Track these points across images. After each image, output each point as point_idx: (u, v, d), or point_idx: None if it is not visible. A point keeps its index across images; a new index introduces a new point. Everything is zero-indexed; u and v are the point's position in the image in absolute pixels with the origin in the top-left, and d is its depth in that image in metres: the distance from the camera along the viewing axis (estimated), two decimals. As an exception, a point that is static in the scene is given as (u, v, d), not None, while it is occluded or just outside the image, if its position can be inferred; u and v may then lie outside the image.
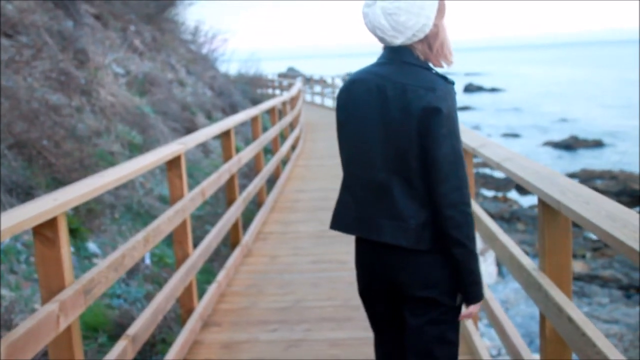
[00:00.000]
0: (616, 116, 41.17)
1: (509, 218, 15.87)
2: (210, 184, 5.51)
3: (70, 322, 2.77)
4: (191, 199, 4.84)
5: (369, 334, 4.68)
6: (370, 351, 4.41)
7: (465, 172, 2.32)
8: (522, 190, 19.72)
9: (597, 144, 30.37)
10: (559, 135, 32.40)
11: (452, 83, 2.34)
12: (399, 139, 2.29)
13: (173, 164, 4.69)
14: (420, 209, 2.32)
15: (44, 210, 2.63)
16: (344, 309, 5.27)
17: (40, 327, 2.51)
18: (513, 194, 19.37)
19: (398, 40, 2.32)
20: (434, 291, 2.38)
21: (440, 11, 2.36)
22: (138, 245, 3.62)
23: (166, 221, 4.17)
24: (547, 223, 2.80)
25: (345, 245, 7.10)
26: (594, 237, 14.28)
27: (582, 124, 38.26)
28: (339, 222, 2.51)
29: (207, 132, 5.80)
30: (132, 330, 3.53)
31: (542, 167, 3.13)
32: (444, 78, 2.32)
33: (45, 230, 2.73)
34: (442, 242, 2.32)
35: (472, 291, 2.38)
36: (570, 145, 30.00)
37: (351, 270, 6.19)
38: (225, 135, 6.73)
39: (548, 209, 2.77)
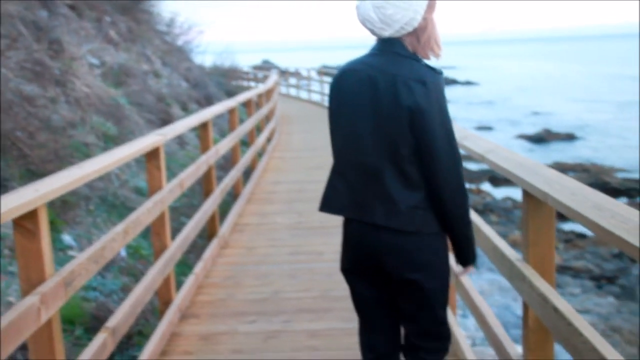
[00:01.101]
0: (587, 110, 41.59)
1: (482, 210, 15.97)
2: (189, 176, 5.48)
3: (51, 315, 2.73)
4: (170, 191, 4.80)
5: (348, 325, 4.71)
6: (349, 342, 4.42)
7: (458, 149, 2.45)
8: (496, 182, 19.85)
9: (569, 137, 30.64)
10: (532, 129, 32.63)
11: (441, 73, 2.43)
12: (390, 128, 2.39)
13: (152, 155, 4.64)
14: (411, 193, 2.43)
15: (25, 201, 2.58)
16: (322, 300, 5.28)
17: (22, 320, 2.47)
18: (486, 186, 19.49)
19: (386, 33, 2.43)
20: (421, 274, 2.51)
21: (431, 6, 2.47)
22: (118, 237, 3.58)
23: (145, 213, 4.14)
24: (531, 214, 2.81)
25: (322, 237, 7.11)
26: (566, 228, 14.42)
27: (555, 117, 38.60)
28: (331, 204, 2.60)
29: (185, 124, 5.76)
30: (111, 322, 3.50)
31: (526, 159, 3.15)
32: (432, 69, 2.42)
33: (25, 222, 2.68)
34: (440, 221, 2.48)
35: (470, 255, 2.63)
36: (543, 138, 30.21)
37: (328, 261, 6.24)
38: (202, 127, 6.68)
39: (532, 200, 2.78)
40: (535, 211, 2.80)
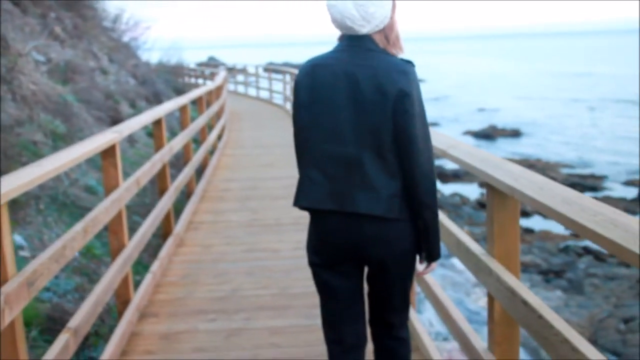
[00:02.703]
0: (532, 107, 42.36)
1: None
2: (145, 173, 5.41)
3: (14, 316, 2.67)
4: (126, 189, 4.73)
5: (309, 322, 4.72)
6: (311, 338, 4.44)
7: (430, 137, 2.58)
8: (444, 178, 20.07)
9: (515, 134, 31.16)
10: (478, 125, 33.08)
11: (414, 65, 2.56)
12: (374, 117, 2.47)
13: (108, 153, 4.57)
14: (390, 181, 2.51)
15: (-14, 200, 2.52)
16: (281, 297, 5.26)
17: (-13, 321, 2.41)
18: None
19: (364, 29, 2.54)
20: (400, 260, 2.63)
21: (394, 6, 2.62)
22: (77, 236, 3.52)
23: (103, 211, 4.07)
24: (496, 209, 2.84)
25: (277, 234, 7.10)
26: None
27: (500, 114, 39.21)
28: (308, 197, 2.61)
29: (140, 121, 5.68)
30: (73, 322, 3.44)
31: (489, 154, 3.18)
32: (407, 61, 2.55)
33: (-14, 221, 2.62)
34: (412, 209, 2.55)
35: (437, 250, 2.66)
36: (489, 134, 30.68)
37: (285, 258, 6.24)
38: (156, 124, 6.60)
39: (497, 194, 2.81)
40: (500, 206, 2.84)
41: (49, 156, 3.65)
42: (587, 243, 14.34)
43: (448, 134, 23.73)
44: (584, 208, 2.12)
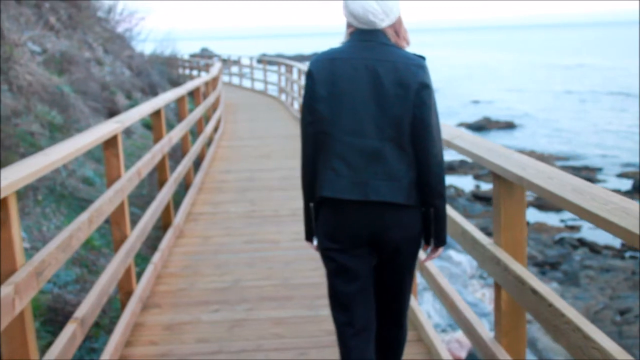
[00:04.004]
0: (525, 99, 42.43)
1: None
2: (145, 164, 5.40)
3: (24, 305, 2.67)
4: (128, 179, 4.73)
5: (311, 313, 4.74)
6: (314, 329, 4.46)
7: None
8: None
9: (509, 126, 31.22)
10: (470, 118, 33.14)
11: (426, 60, 2.67)
12: (396, 110, 2.59)
13: (110, 143, 4.57)
14: (409, 170, 2.63)
15: (-4, 190, 2.51)
16: (283, 288, 5.28)
17: (-1, 311, 2.41)
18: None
19: (384, 23, 2.67)
20: (413, 244, 2.76)
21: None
22: (83, 226, 3.52)
23: (107, 202, 4.07)
24: (503, 198, 2.86)
25: (276, 225, 7.11)
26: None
27: (494, 106, 39.27)
28: (334, 187, 2.67)
29: (140, 111, 5.66)
30: (79, 312, 3.44)
31: (494, 144, 3.20)
32: (419, 56, 2.67)
33: (-4, 211, 2.62)
34: (423, 197, 2.69)
35: (444, 234, 2.79)
36: (483, 126, 30.73)
37: (285, 249, 6.25)
38: (155, 115, 6.58)
39: (504, 184, 2.83)
40: (507, 195, 2.86)
41: (52, 146, 3.64)
42: (582, 235, 14.40)
43: (443, 125, 23.74)
44: (594, 197, 2.14)
